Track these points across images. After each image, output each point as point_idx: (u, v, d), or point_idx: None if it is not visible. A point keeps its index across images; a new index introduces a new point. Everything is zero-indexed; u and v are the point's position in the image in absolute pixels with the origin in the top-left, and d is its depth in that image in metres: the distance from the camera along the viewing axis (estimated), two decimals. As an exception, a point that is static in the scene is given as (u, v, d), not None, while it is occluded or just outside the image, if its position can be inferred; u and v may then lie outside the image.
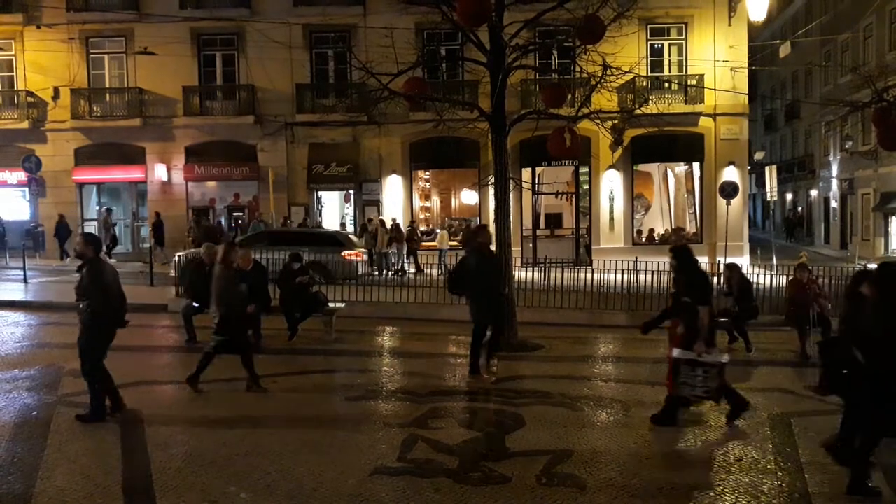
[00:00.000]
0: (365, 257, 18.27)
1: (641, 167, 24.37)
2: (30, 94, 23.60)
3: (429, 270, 20.26)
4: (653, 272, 14.89)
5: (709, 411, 7.76)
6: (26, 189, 23.15)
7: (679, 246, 7.75)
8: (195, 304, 10.97)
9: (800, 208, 38.66)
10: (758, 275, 16.24)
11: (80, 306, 6.83)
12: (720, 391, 7.05)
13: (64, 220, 22.60)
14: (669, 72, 23.64)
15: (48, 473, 5.64)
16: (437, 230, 23.29)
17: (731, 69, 22.59)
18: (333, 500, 5.22)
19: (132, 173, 24.14)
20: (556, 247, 22.56)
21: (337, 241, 18.06)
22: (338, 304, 12.59)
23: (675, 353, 7.03)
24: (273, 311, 11.18)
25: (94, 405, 6.93)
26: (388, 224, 21.50)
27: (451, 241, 22.30)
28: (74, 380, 8.46)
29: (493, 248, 10.06)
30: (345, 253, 17.30)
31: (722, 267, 13.78)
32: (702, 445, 6.54)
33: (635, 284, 15.43)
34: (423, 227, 23.94)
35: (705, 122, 23.25)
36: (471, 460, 5.98)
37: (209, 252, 11.14)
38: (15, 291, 16.23)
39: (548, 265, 17.77)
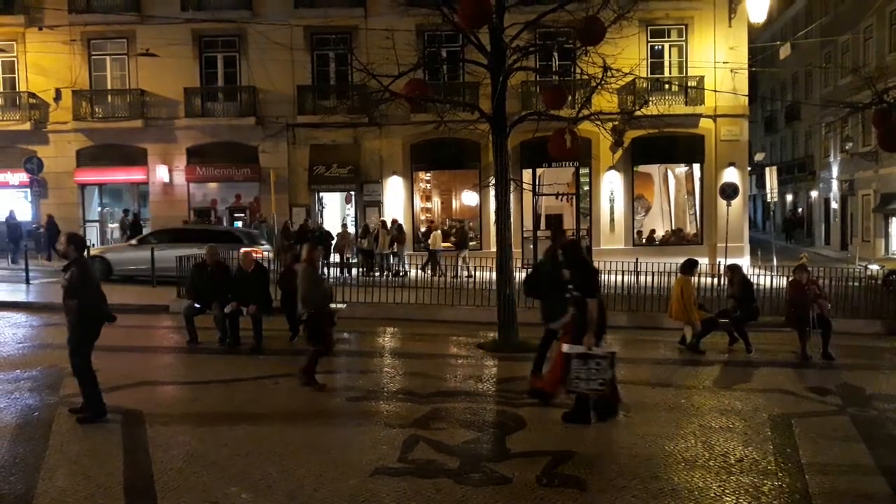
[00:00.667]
0: (267, 254, 17.82)
1: (642, 168, 24.37)
2: (31, 95, 23.61)
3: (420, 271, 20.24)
4: (653, 273, 14.92)
5: (710, 412, 7.78)
6: (28, 190, 23.17)
7: (567, 242, 7.83)
8: (196, 305, 10.98)
9: (800, 209, 38.65)
10: (758, 276, 16.27)
11: (68, 304, 6.86)
12: (615, 384, 7.00)
13: (52, 221, 22.45)
14: (670, 73, 23.66)
15: (50, 474, 5.65)
16: (431, 231, 23.05)
17: (732, 70, 22.62)
18: (334, 501, 5.22)
19: (134, 174, 24.16)
20: (556, 247, 22.53)
21: (236, 238, 18.00)
22: (339, 305, 12.58)
23: (565, 348, 7.01)
24: (274, 311, 11.20)
25: (92, 404, 6.94)
26: (389, 225, 21.52)
27: (443, 242, 22.22)
28: (76, 380, 8.51)
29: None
30: (243, 250, 17.10)
31: (723, 268, 13.82)
32: (702, 446, 6.55)
33: (636, 285, 15.43)
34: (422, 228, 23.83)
35: (705, 124, 23.26)
36: (472, 461, 5.99)
37: (211, 253, 11.19)
38: (17, 292, 16.26)
39: (548, 266, 17.76)
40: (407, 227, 22.96)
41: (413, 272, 20.77)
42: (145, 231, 21.56)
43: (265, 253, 17.84)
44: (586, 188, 23.95)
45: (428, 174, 25.11)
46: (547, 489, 5.47)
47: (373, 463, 5.89)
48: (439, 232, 22.31)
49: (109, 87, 24.03)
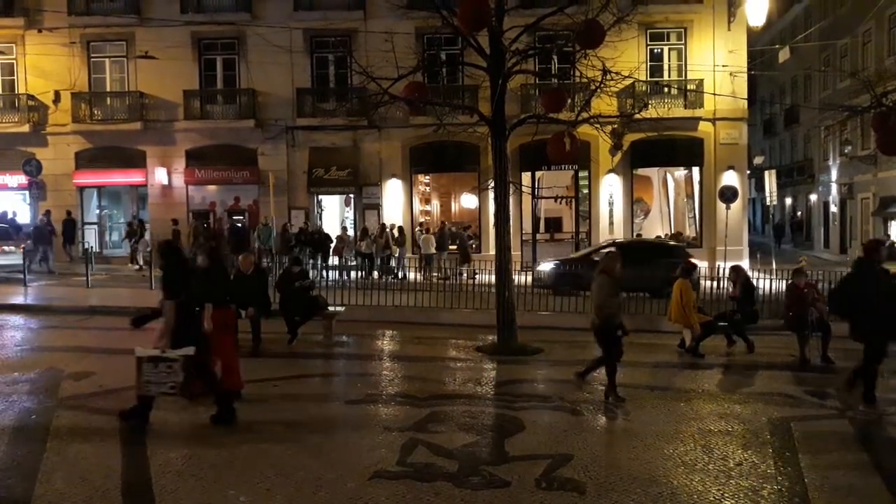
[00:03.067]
0: (9, 249, 17.69)
1: (641, 171, 24.38)
2: (31, 97, 23.62)
3: (414, 275, 20.15)
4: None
5: (709, 416, 7.76)
6: (27, 192, 23.16)
7: (164, 242, 7.93)
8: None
9: (799, 213, 38.63)
10: (757, 279, 16.26)
11: None
12: (188, 386, 6.93)
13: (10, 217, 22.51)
14: (669, 76, 23.67)
15: (47, 477, 5.64)
16: (421, 234, 22.63)
17: (731, 74, 22.65)
18: (333, 504, 5.22)
19: (133, 177, 24.17)
20: (555, 251, 22.53)
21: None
22: (337, 308, 12.60)
23: (137, 350, 6.98)
24: (273, 314, 11.18)
25: None
26: (388, 228, 21.48)
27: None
28: (75, 383, 8.50)
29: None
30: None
31: (724, 271, 13.82)
32: (702, 450, 6.54)
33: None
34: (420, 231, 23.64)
35: (705, 127, 23.28)
36: (470, 464, 5.98)
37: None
38: (15, 295, 16.22)
39: (547, 269, 17.77)
40: (406, 231, 22.84)
41: (411, 275, 20.72)
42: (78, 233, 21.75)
43: (9, 249, 17.81)
44: (585, 191, 23.95)
45: (427, 177, 25.11)
46: (546, 492, 5.46)
47: (371, 466, 5.88)
48: (431, 236, 22.12)
49: (108, 90, 24.05)
